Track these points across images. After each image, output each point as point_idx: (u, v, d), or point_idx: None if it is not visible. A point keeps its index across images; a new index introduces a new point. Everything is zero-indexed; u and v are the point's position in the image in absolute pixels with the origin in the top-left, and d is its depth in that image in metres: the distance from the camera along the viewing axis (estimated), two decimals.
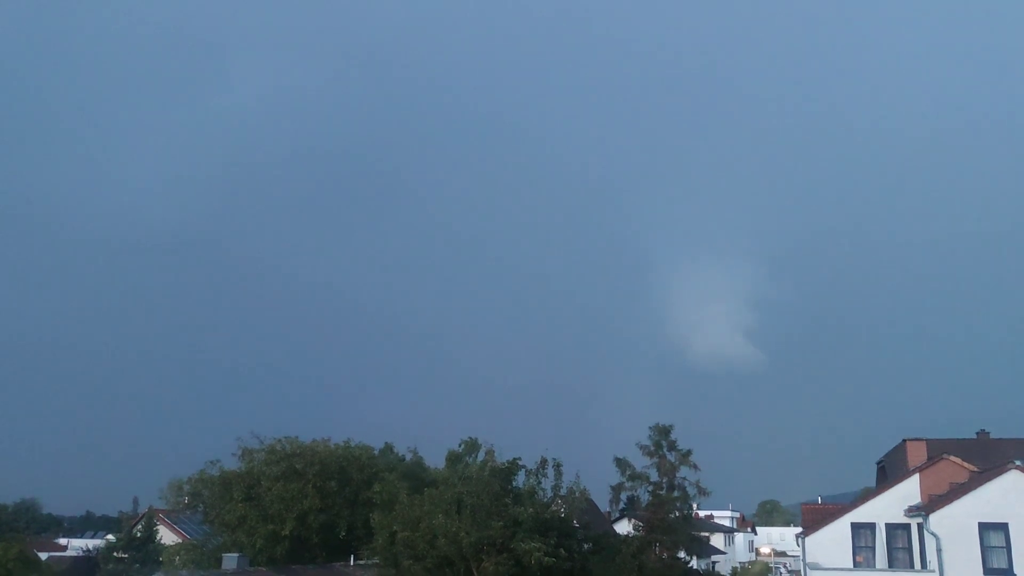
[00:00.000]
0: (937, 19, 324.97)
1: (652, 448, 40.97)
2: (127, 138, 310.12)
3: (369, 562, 34.92)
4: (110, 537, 65.29)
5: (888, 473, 44.26)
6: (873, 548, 34.74)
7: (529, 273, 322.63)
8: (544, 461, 34.10)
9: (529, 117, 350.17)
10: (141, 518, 63.54)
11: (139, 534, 58.79)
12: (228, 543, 37.56)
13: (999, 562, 30.65)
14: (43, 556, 58.58)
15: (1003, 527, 30.84)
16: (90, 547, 68.45)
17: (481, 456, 38.50)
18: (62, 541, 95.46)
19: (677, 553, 41.22)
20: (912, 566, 33.82)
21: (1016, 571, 30.27)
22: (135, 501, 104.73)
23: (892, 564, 34.32)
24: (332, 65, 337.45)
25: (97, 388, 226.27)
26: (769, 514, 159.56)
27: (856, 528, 35.15)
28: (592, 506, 53.39)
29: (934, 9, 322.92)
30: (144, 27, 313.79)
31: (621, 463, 41.31)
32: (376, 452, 44.18)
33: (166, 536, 58.79)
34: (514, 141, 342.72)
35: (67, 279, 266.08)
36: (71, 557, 67.47)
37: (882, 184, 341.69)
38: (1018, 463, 32.05)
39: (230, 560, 32.46)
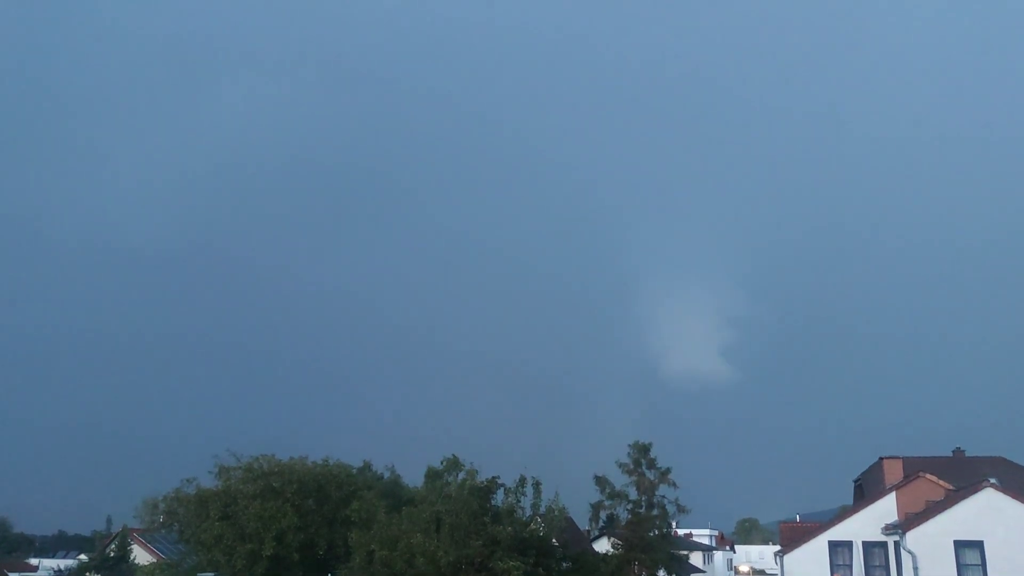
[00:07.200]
0: (916, 40, 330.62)
1: (631, 466, 40.98)
2: (119, 143, 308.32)
3: None
4: (83, 557, 64.55)
5: (865, 491, 44.52)
6: (850, 566, 34.92)
7: (510, 288, 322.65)
8: (523, 479, 34.03)
9: (512, 131, 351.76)
10: (115, 537, 62.64)
11: (113, 553, 58.07)
12: (204, 562, 37.15)
13: None
14: None
15: (979, 545, 31.12)
16: (62, 567, 67.44)
17: (460, 475, 38.34)
18: (33, 561, 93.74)
19: (656, 571, 41.26)
20: None
21: None
22: (109, 520, 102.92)
23: None
24: (325, 70, 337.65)
25: (70, 403, 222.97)
26: (748, 532, 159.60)
27: (834, 546, 35.33)
28: (571, 524, 53.24)
29: (912, 33, 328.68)
30: (139, 33, 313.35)
31: (600, 481, 41.29)
32: (354, 470, 43.89)
33: (140, 556, 58.05)
34: (498, 154, 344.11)
35: (40, 289, 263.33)
36: None
37: (861, 204, 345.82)
38: (993, 481, 32.40)
39: None
